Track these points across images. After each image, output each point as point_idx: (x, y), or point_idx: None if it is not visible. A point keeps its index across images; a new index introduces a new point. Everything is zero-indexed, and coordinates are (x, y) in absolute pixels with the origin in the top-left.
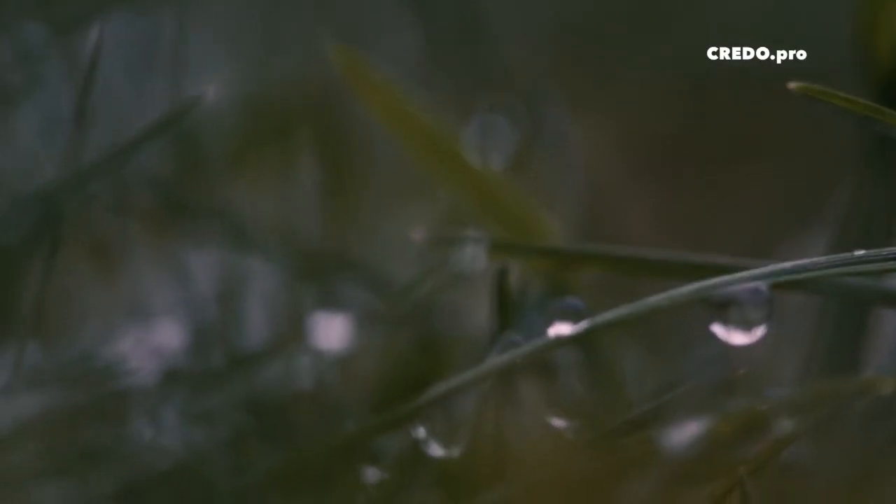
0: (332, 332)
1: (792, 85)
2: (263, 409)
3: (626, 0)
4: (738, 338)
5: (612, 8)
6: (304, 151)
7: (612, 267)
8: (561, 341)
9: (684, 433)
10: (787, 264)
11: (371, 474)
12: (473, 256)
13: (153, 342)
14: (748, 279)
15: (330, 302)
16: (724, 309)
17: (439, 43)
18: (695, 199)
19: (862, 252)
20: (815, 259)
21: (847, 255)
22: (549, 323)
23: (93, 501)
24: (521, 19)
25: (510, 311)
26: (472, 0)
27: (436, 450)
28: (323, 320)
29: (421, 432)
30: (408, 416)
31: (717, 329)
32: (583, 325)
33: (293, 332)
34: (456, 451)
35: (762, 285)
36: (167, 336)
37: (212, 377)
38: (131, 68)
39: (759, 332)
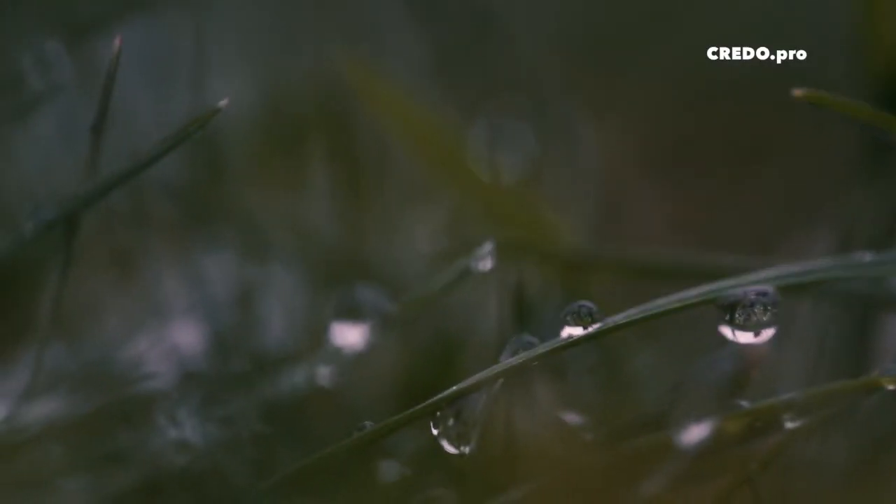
0: (349, 334)
1: (798, 92)
2: (282, 408)
3: (633, 3)
4: (746, 339)
5: (619, 11)
6: (318, 157)
7: (624, 270)
8: (573, 343)
9: (695, 432)
10: (794, 267)
11: (388, 472)
12: (485, 260)
13: (173, 345)
14: (756, 282)
15: (347, 305)
16: (733, 311)
17: (451, 45)
18: (704, 200)
19: (866, 255)
20: (820, 262)
21: (852, 257)
22: (562, 325)
23: (115, 499)
24: (532, 22)
25: (524, 313)
26: (484, 3)
27: (450, 448)
28: (339, 322)
29: (435, 431)
30: (423, 415)
31: (725, 330)
32: (594, 327)
33: (311, 335)
34: (469, 449)
35: (769, 287)
36: (187, 339)
37: (231, 378)
38: (148, 76)
39: (766, 333)
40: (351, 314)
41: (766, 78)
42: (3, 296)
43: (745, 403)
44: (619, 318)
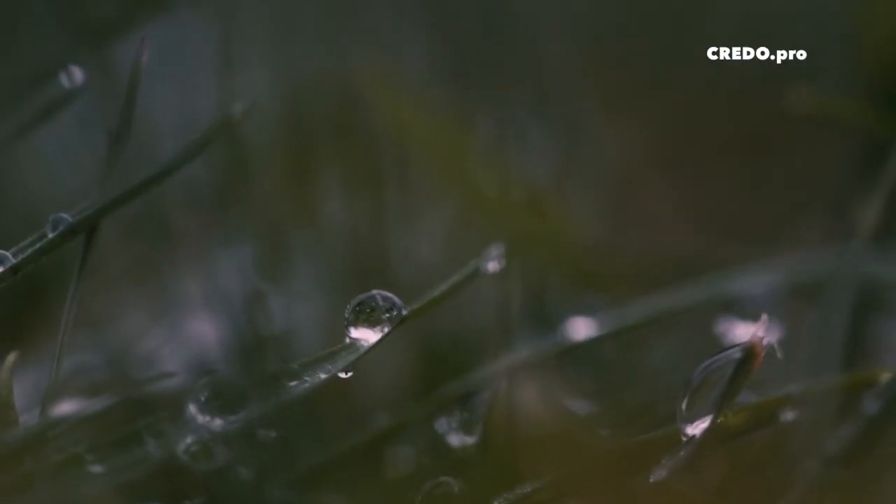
0: (364, 335)
1: (797, 100)
2: (299, 403)
3: (638, 3)
4: (747, 333)
5: (625, 10)
6: (332, 158)
7: (634, 266)
8: (583, 342)
9: (698, 425)
10: (796, 262)
11: (399, 464)
12: (495, 261)
13: (192, 343)
14: (760, 277)
15: (362, 308)
16: (736, 306)
17: (463, 43)
18: (712, 193)
19: (867, 250)
20: (822, 256)
21: (853, 253)
22: (570, 320)
23: (135, 489)
24: (541, 20)
25: (534, 310)
26: (495, 3)
27: (456, 440)
28: (355, 325)
29: (443, 424)
30: (432, 410)
31: (729, 324)
32: (601, 324)
33: (328, 334)
34: (475, 441)
35: (772, 283)
36: (205, 336)
37: (250, 374)
38: (165, 77)
39: (769, 327)
40: (366, 317)
41: (771, 74)
42: (27, 298)
43: (747, 397)
44: (625, 316)
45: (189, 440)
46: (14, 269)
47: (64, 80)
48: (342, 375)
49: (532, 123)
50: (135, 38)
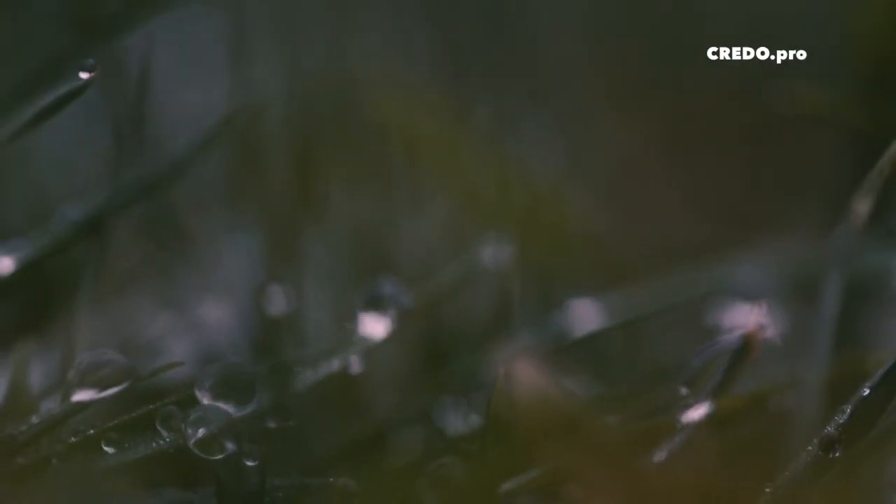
0: (372, 325)
1: (803, 100)
2: (310, 394)
3: (637, 2)
4: (746, 321)
5: (624, 9)
6: (337, 150)
7: (635, 255)
8: (582, 329)
9: (696, 411)
10: (796, 252)
11: (404, 450)
12: (498, 252)
13: (202, 332)
14: (759, 267)
15: (370, 297)
16: (735, 294)
17: (464, 41)
18: (715, 187)
19: (864, 239)
20: (821, 246)
21: (850, 242)
22: (571, 309)
23: (144, 475)
24: (542, 17)
25: (535, 298)
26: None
27: (460, 425)
28: (364, 314)
29: (447, 410)
30: (436, 395)
31: (728, 313)
32: (602, 312)
33: (337, 324)
34: (479, 426)
35: (770, 273)
36: (215, 326)
37: (260, 364)
38: (170, 72)
39: (767, 315)
40: (374, 306)
41: (771, 74)
42: (40, 288)
43: (744, 382)
44: (628, 304)
45: (199, 429)
46: (28, 262)
47: (72, 74)
48: (352, 368)
49: (534, 119)
50: (140, 33)
